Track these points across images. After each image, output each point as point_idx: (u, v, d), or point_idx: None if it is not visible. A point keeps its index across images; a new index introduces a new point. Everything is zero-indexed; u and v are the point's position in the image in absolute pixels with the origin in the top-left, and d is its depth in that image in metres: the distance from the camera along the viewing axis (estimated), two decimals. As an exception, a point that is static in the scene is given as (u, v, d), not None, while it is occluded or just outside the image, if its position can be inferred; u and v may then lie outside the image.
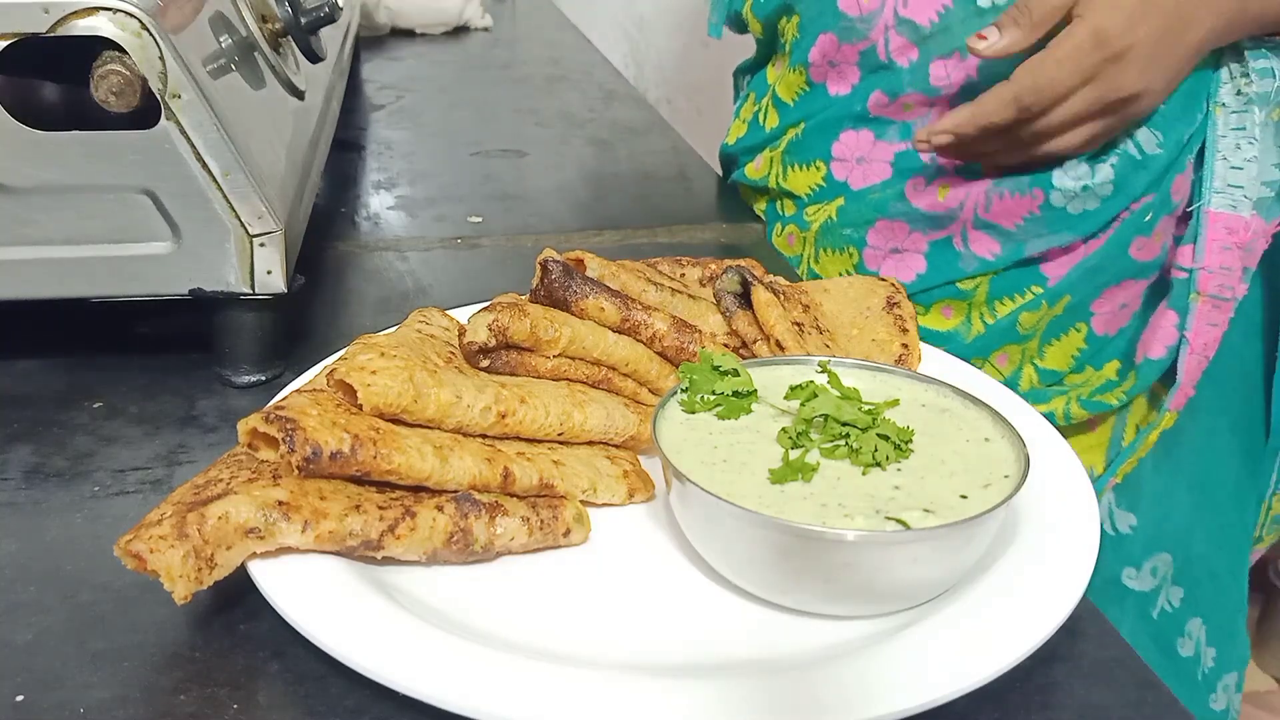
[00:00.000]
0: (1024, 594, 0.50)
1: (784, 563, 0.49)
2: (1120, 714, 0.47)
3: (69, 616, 0.50)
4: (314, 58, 0.82)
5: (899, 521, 0.49)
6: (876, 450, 0.53)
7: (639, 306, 0.62)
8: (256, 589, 0.48)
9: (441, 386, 0.53)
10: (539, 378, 0.59)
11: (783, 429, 0.55)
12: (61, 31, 0.59)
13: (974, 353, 0.90)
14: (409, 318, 0.64)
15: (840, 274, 0.95)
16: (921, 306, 0.92)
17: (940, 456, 0.54)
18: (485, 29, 1.78)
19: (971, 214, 0.87)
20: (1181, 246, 0.85)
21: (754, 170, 1.03)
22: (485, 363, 0.58)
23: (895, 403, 0.58)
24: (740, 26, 1.05)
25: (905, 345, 0.69)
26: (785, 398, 0.57)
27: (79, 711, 0.45)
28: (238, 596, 0.50)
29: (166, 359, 0.72)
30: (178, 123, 0.62)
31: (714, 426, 0.56)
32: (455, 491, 0.52)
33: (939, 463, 0.54)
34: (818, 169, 0.96)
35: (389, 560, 0.51)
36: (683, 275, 0.73)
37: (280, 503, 0.48)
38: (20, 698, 0.46)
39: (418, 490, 0.51)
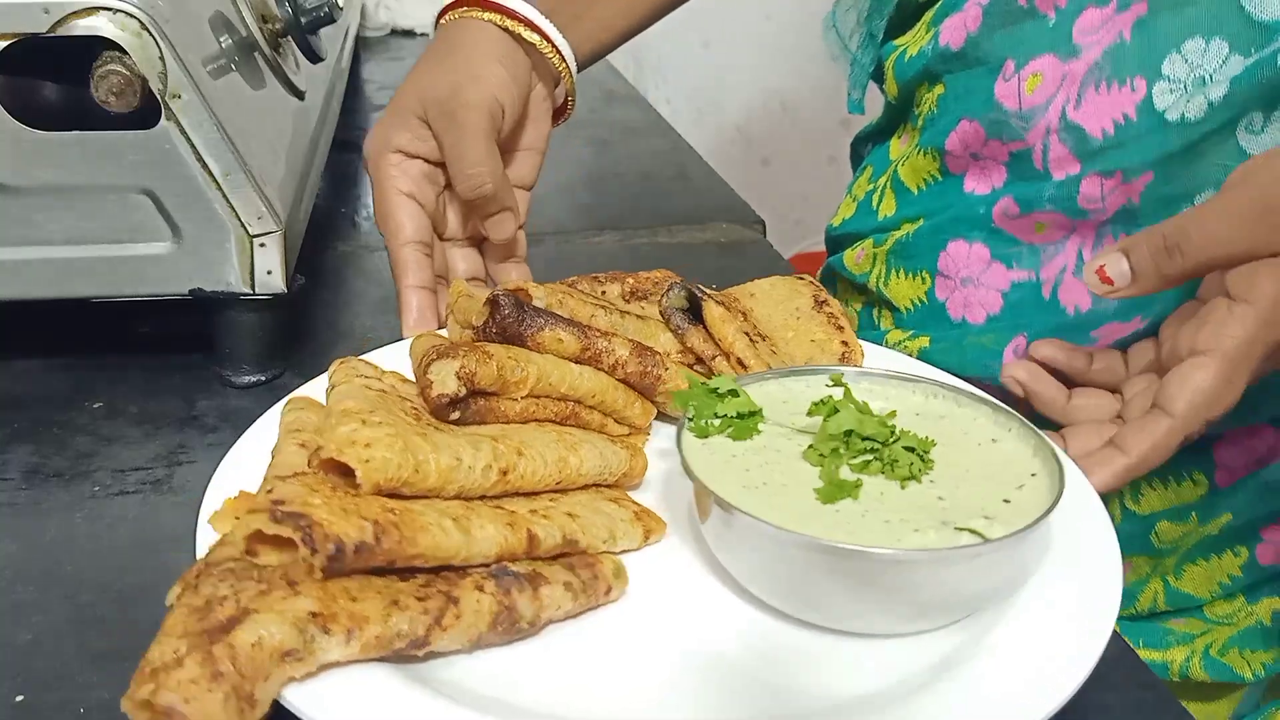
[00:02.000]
0: (1066, 614, 0.48)
1: (860, 588, 0.47)
2: (1121, 714, 0.47)
3: (69, 616, 0.51)
4: (314, 58, 0.82)
5: (973, 532, 0.47)
6: (911, 464, 0.52)
7: (597, 333, 0.60)
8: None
9: (438, 451, 0.48)
10: (508, 423, 0.56)
11: (809, 447, 0.53)
12: (61, 31, 0.59)
13: None
14: (336, 372, 0.59)
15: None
16: None
17: (962, 464, 0.53)
18: (485, 29, 1.78)
19: None
20: None
21: (854, 262, 0.85)
22: (456, 415, 0.55)
23: (893, 414, 0.56)
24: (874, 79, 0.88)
25: (845, 343, 0.68)
26: (809, 414, 0.55)
27: (79, 711, 0.45)
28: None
29: (167, 359, 0.72)
30: (178, 123, 0.62)
31: (735, 449, 0.54)
32: (485, 566, 0.47)
33: (963, 470, 0.53)
34: (922, 280, 0.78)
35: (431, 656, 0.45)
36: (604, 293, 0.70)
37: (313, 614, 0.41)
38: (20, 698, 0.46)
39: (441, 571, 0.47)
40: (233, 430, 0.65)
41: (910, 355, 0.72)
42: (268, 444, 0.55)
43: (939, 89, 0.77)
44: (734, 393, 0.56)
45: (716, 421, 0.55)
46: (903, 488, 0.51)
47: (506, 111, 0.70)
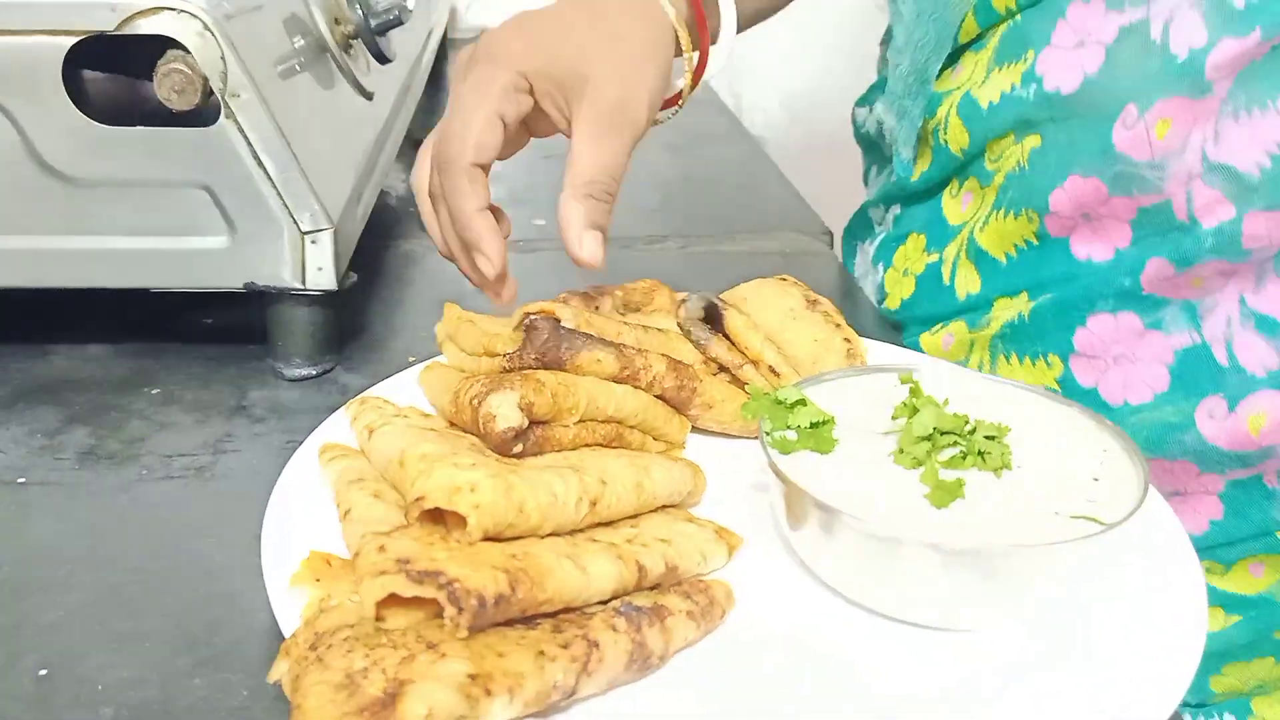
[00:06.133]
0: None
1: (983, 585, 0.47)
2: None
3: (99, 596, 0.52)
4: (382, 59, 0.84)
5: (1091, 519, 0.48)
6: (1002, 453, 0.52)
7: (633, 351, 0.59)
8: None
9: (534, 489, 0.47)
10: (560, 450, 0.56)
11: (898, 451, 0.53)
12: (127, 30, 0.61)
13: None
14: (363, 414, 0.58)
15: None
16: (1219, 565, 0.69)
17: (1036, 446, 0.53)
18: (575, 32, 1.79)
19: None
20: None
21: (941, 350, 0.77)
22: (519, 448, 0.54)
23: (947, 402, 0.56)
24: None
25: (848, 340, 0.67)
26: (893, 417, 0.55)
27: (97, 689, 0.47)
28: (259, 586, 0.51)
29: (224, 349, 0.74)
30: (236, 121, 0.64)
31: (823, 463, 0.53)
32: (602, 603, 0.46)
33: (1041, 453, 0.53)
34: (1050, 366, 0.70)
35: (572, 703, 0.44)
36: (598, 308, 0.68)
37: (471, 676, 0.40)
38: (43, 671, 0.48)
39: (561, 614, 0.45)
40: (278, 421, 0.67)
41: None
42: (305, 492, 0.54)
43: (1032, 140, 0.68)
44: (802, 402, 0.55)
45: (793, 435, 0.54)
46: (998, 478, 0.51)
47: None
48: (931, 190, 0.78)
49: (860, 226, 0.92)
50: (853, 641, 0.49)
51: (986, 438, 0.53)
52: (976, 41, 0.73)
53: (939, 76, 0.74)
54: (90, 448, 0.64)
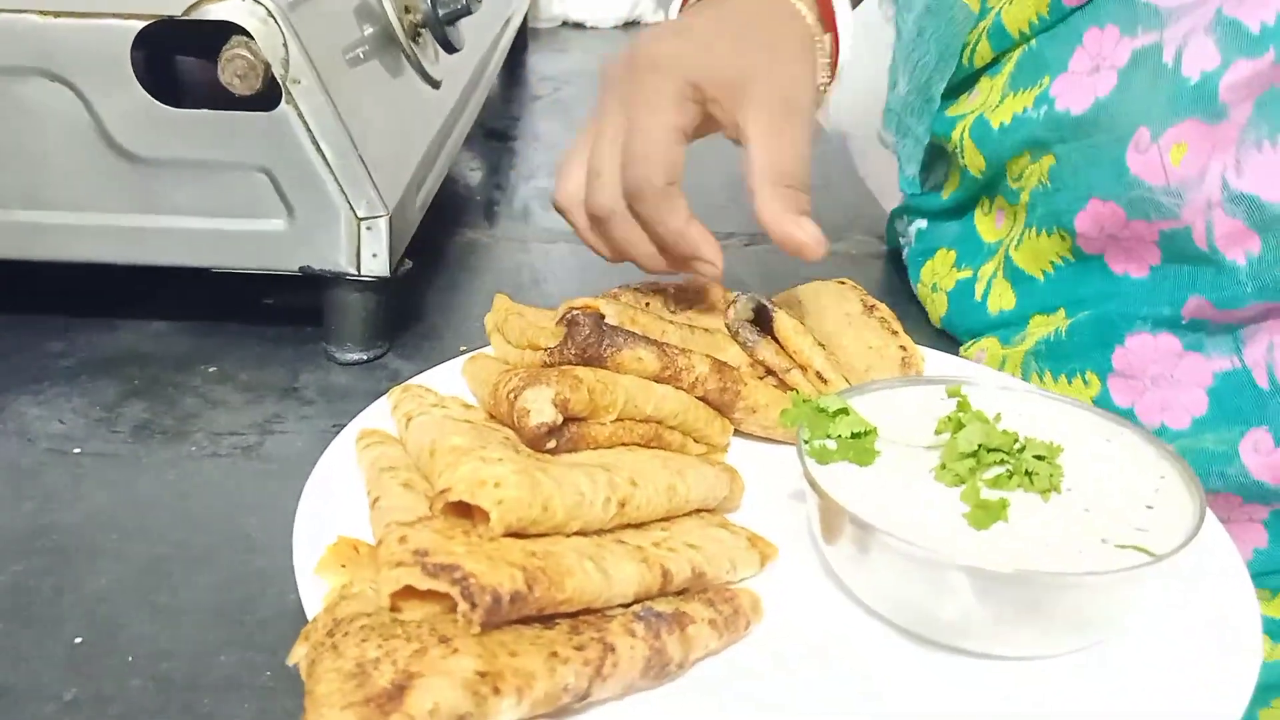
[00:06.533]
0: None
1: (1023, 613, 0.46)
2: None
3: (141, 568, 0.54)
4: (450, 48, 0.84)
5: (1140, 550, 0.46)
6: (1051, 474, 0.50)
7: (676, 351, 0.58)
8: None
9: (561, 486, 0.46)
10: (596, 448, 0.55)
11: (940, 467, 0.51)
12: (195, 15, 0.62)
13: None
14: (403, 402, 0.58)
15: None
16: (1265, 591, 0.64)
17: (1090, 469, 0.51)
18: (658, 24, 1.79)
19: None
20: None
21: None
22: (552, 444, 0.53)
23: (999, 418, 0.54)
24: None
25: (904, 348, 0.65)
26: (936, 431, 0.54)
27: (128, 660, 0.48)
28: (293, 567, 0.52)
29: (281, 331, 0.76)
30: (296, 107, 0.65)
31: (861, 476, 0.52)
32: (624, 606, 0.46)
33: (1094, 476, 0.51)
34: (1087, 384, 0.68)
35: (586, 707, 0.43)
36: (648, 305, 0.67)
37: (480, 674, 0.39)
38: (79, 640, 0.49)
39: (580, 615, 0.45)
40: (327, 404, 0.68)
41: None
42: (341, 478, 0.54)
43: (1047, 160, 0.67)
44: (844, 411, 0.54)
45: (832, 445, 0.53)
46: (1045, 500, 0.50)
47: None
48: (962, 208, 0.78)
49: (889, 235, 0.92)
50: (884, 663, 0.47)
51: (1036, 457, 0.51)
52: (992, 66, 0.73)
53: (955, 101, 0.73)
54: (145, 422, 0.65)
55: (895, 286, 0.89)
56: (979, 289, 0.75)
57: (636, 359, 0.58)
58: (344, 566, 0.48)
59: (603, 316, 0.60)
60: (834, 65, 0.68)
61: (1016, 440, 0.52)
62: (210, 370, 0.71)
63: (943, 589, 0.46)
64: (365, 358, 0.73)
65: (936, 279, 0.80)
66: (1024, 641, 0.47)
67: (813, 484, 0.50)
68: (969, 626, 0.47)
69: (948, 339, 0.80)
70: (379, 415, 0.60)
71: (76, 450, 0.62)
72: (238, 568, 0.54)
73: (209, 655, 0.48)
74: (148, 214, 0.68)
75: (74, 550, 0.54)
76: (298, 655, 0.43)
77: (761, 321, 0.63)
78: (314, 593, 0.47)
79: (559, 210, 0.67)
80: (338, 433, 0.58)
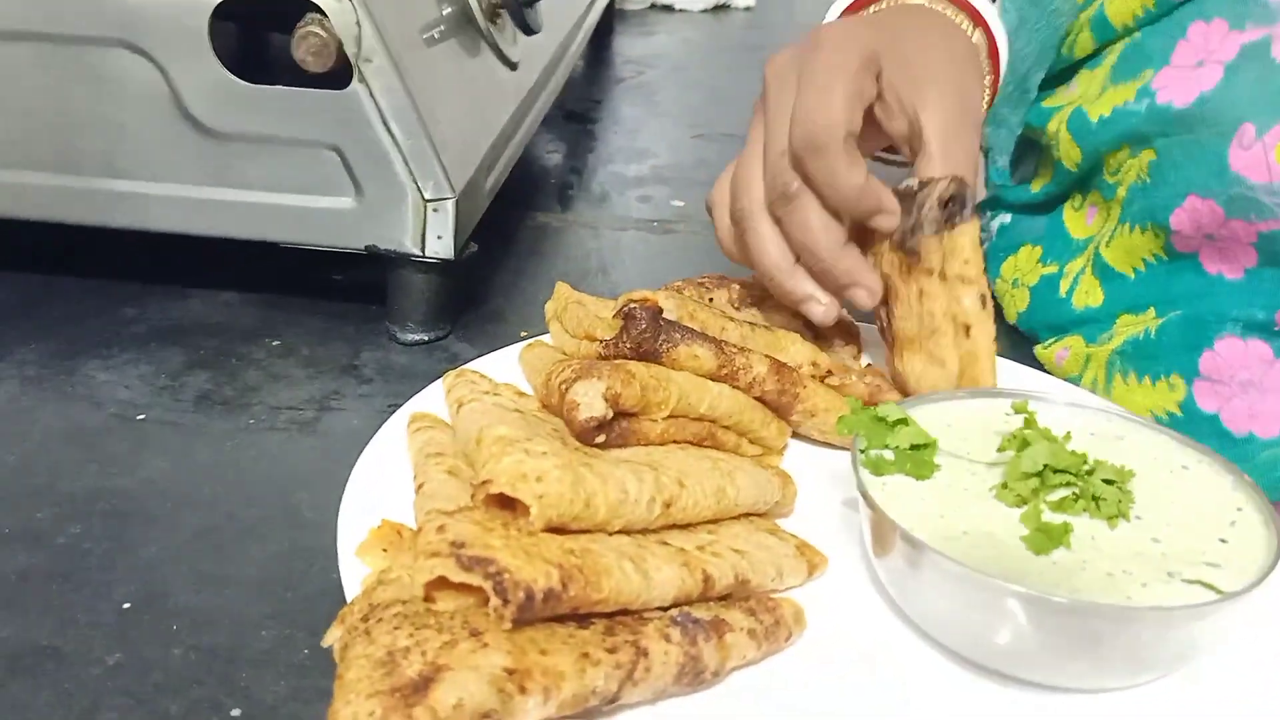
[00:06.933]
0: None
1: (1079, 645, 0.44)
2: None
3: (194, 536, 0.54)
4: (528, 30, 0.84)
5: (1208, 586, 0.44)
6: (1119, 500, 0.48)
7: (734, 349, 0.57)
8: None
9: (605, 483, 0.46)
10: (647, 445, 0.54)
11: (1002, 486, 0.49)
12: (271, -8, 0.63)
13: None
14: (456, 387, 0.57)
15: None
16: None
17: (1163, 497, 0.49)
18: (747, 8, 1.76)
19: None
20: None
21: (1055, 365, 0.73)
22: (601, 438, 0.52)
23: (1069, 437, 0.52)
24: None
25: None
26: (999, 448, 0.52)
27: (172, 628, 0.49)
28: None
29: (347, 307, 0.76)
30: (367, 86, 0.65)
31: (918, 490, 0.50)
32: (662, 610, 0.45)
33: (1166, 505, 0.49)
34: (1172, 388, 0.65)
35: (616, 709, 0.43)
36: (711, 300, 0.66)
37: (508, 671, 0.39)
38: (127, 605, 0.50)
39: (617, 616, 0.44)
40: (384, 384, 0.68)
41: None
42: (392, 460, 0.54)
43: (1147, 154, 0.65)
44: (904, 421, 0.52)
45: (890, 456, 0.51)
46: (1112, 528, 0.47)
47: None
48: (1051, 203, 0.75)
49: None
50: (928, 685, 0.46)
51: (1105, 481, 0.49)
52: (1092, 58, 0.71)
53: (1053, 93, 0.71)
54: (207, 392, 0.66)
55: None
56: (1064, 285, 0.73)
57: (693, 356, 0.56)
58: (385, 550, 0.48)
59: (661, 311, 0.59)
60: (994, 87, 0.68)
61: (1085, 462, 0.49)
62: (274, 343, 0.72)
63: (994, 614, 0.44)
64: (426, 339, 0.73)
65: (1019, 274, 0.78)
66: (1078, 674, 0.45)
67: (864, 495, 0.48)
68: (1020, 654, 0.45)
69: (1021, 337, 0.77)
70: (433, 399, 0.60)
71: (140, 417, 0.63)
72: (286, 543, 0.54)
73: (250, 629, 0.49)
74: (220, 187, 0.69)
75: (130, 515, 0.56)
76: (332, 637, 0.43)
77: (952, 217, 0.57)
78: (355, 575, 0.47)
79: (708, 207, 0.64)
80: (393, 413, 0.58)
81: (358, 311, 0.76)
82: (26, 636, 0.48)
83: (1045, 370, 0.72)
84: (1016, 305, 0.78)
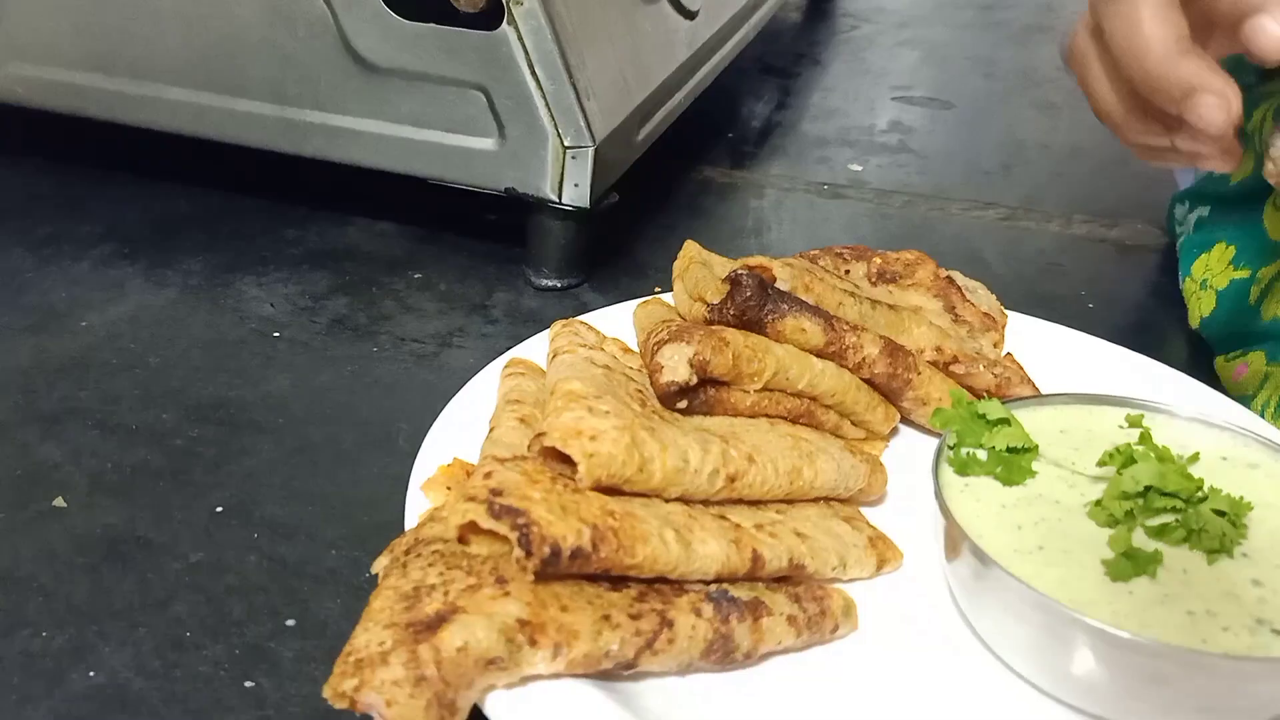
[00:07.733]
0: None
1: (1144, 684, 0.41)
2: None
3: (293, 451, 0.57)
4: (705, -21, 0.82)
5: None
6: (1224, 534, 0.43)
7: (845, 326, 0.54)
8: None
9: (665, 450, 0.45)
10: (736, 415, 0.52)
11: (1096, 503, 0.46)
12: (429, -70, 0.64)
13: None
14: (558, 336, 0.57)
15: None
16: None
17: (1277, 534, 0.44)
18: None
19: None
20: None
21: (1232, 380, 0.66)
22: (683, 404, 0.51)
23: (1196, 458, 0.47)
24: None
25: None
26: (1100, 463, 0.47)
27: (253, 536, 0.52)
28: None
29: (492, 248, 0.78)
30: (516, 29, 0.65)
31: (1003, 496, 0.47)
32: (703, 583, 0.44)
33: (1276, 545, 0.44)
34: None
35: (637, 676, 0.42)
36: (847, 272, 0.62)
37: (522, 622, 0.39)
38: (220, 509, 0.53)
39: (654, 583, 0.43)
40: (509, 326, 0.69)
41: None
42: (485, 401, 0.55)
43: None
44: (1005, 421, 0.49)
45: (982, 455, 0.48)
46: (1210, 563, 0.43)
47: None
48: (1249, 198, 0.68)
49: (1169, 223, 0.80)
50: (980, 702, 0.43)
51: (1216, 511, 0.43)
52: None
53: (1270, 82, 0.61)
54: (342, 317, 0.69)
55: (1159, 287, 0.78)
56: (1254, 292, 0.66)
57: (799, 329, 0.54)
58: (450, 489, 0.49)
59: (773, 279, 0.57)
60: None
61: (1200, 489, 0.44)
62: (416, 276, 0.74)
63: (1054, 639, 0.41)
64: (560, 285, 0.73)
65: (1209, 274, 0.71)
66: (1142, 712, 0.41)
67: (937, 496, 0.45)
68: (1084, 685, 0.41)
69: (1200, 345, 0.69)
70: (541, 346, 0.60)
71: (276, 334, 0.67)
72: (375, 468, 0.56)
73: (322, 546, 0.51)
74: (373, 119, 0.71)
75: (243, 426, 0.59)
76: (379, 565, 0.44)
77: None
78: (418, 508, 0.48)
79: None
80: (507, 355, 0.59)
81: (501, 253, 0.77)
82: (127, 526, 0.52)
83: (1221, 386, 0.64)
84: (1201, 309, 0.70)
